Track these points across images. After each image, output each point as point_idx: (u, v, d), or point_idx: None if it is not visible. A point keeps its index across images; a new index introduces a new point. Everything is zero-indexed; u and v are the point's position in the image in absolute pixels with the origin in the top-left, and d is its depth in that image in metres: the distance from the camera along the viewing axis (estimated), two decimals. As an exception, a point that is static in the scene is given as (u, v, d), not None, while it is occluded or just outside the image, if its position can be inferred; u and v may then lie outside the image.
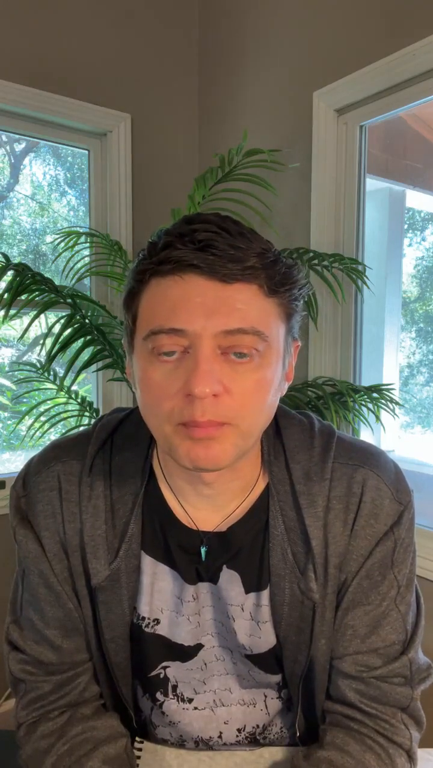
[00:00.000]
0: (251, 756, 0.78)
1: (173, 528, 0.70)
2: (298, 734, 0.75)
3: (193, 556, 0.70)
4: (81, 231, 1.75)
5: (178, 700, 0.75)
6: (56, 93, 1.89)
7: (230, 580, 0.69)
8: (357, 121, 1.68)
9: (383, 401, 1.55)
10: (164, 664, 0.73)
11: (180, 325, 0.56)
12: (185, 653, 0.72)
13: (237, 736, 0.76)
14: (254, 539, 0.69)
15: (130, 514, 0.69)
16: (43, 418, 1.78)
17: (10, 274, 1.46)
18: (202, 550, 0.69)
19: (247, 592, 0.69)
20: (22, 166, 2.16)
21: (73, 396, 1.83)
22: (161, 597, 0.71)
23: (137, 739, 0.81)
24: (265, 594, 0.69)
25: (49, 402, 1.80)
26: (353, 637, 0.68)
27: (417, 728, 0.69)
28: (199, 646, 0.72)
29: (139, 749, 0.79)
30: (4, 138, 2.06)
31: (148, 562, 0.71)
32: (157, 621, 0.72)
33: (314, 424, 0.73)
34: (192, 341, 0.56)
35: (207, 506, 0.70)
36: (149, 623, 0.72)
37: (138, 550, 0.69)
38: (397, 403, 1.57)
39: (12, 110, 1.84)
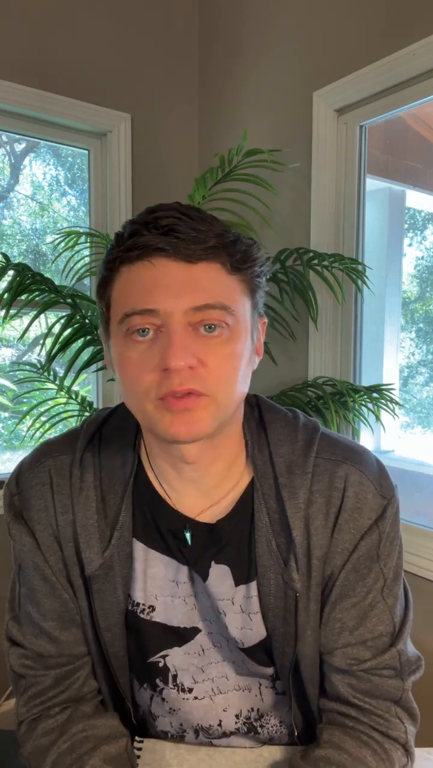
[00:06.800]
0: (251, 755, 0.78)
1: (163, 513, 0.71)
2: (296, 733, 0.76)
3: (184, 541, 0.71)
4: (81, 231, 1.75)
5: (178, 690, 0.76)
6: (56, 93, 1.89)
7: (219, 575, 0.71)
8: (357, 121, 1.68)
9: (383, 401, 1.55)
10: (163, 652, 0.75)
11: (152, 306, 0.59)
12: (182, 636, 0.74)
13: (236, 722, 0.78)
14: (241, 532, 0.71)
15: (120, 503, 0.71)
16: (43, 418, 1.78)
17: (10, 274, 1.46)
18: (187, 534, 0.70)
19: (237, 584, 0.71)
20: (22, 166, 2.16)
21: (73, 396, 1.83)
22: (154, 583, 0.72)
23: (137, 738, 0.81)
24: (253, 585, 0.70)
25: (49, 402, 1.80)
26: (342, 630, 0.69)
27: (412, 722, 0.70)
28: (195, 630, 0.74)
29: (139, 749, 0.79)
30: (4, 138, 2.06)
31: (140, 548, 0.72)
32: (152, 608, 0.73)
33: (298, 419, 0.74)
34: (164, 320, 0.59)
35: (192, 490, 0.71)
36: (144, 609, 0.73)
37: (130, 538, 0.71)
38: (397, 403, 1.57)
39: (12, 110, 1.84)
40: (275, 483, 0.69)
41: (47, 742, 0.70)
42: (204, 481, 0.71)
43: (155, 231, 0.59)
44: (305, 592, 0.68)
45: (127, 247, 0.61)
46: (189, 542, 0.70)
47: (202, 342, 0.60)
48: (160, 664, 0.75)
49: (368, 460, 0.72)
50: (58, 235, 1.74)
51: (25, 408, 1.97)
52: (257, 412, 0.74)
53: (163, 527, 0.71)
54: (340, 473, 0.69)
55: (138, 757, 0.77)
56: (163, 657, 0.75)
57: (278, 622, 0.70)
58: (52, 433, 1.87)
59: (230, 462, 0.71)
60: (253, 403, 0.76)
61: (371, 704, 0.68)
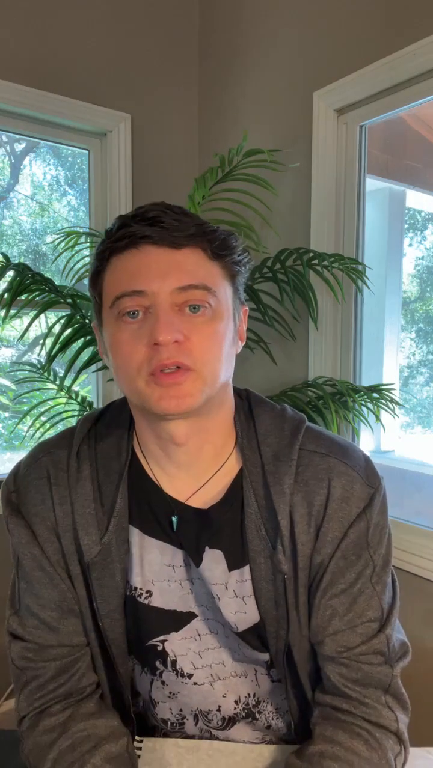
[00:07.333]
0: (251, 754, 0.78)
1: (156, 499, 0.74)
2: (293, 725, 0.78)
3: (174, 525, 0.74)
4: (81, 231, 1.75)
5: (177, 675, 0.78)
6: (56, 93, 1.89)
7: (213, 559, 0.73)
8: (357, 121, 1.68)
9: (383, 401, 1.55)
10: (162, 637, 0.76)
11: (140, 287, 0.64)
12: (179, 620, 0.76)
13: (235, 708, 0.80)
14: (233, 518, 0.73)
15: (116, 491, 0.73)
16: (43, 418, 1.78)
17: (10, 274, 1.46)
18: (174, 519, 0.73)
19: (230, 569, 0.73)
20: (22, 166, 2.16)
21: (73, 396, 1.83)
22: (151, 568, 0.75)
23: (137, 738, 0.81)
24: (246, 570, 0.73)
25: (49, 402, 1.80)
26: (333, 616, 0.71)
27: (403, 711, 0.72)
28: (191, 614, 0.76)
29: (139, 748, 0.79)
30: (4, 138, 2.06)
31: (135, 534, 0.75)
32: (150, 593, 0.75)
33: (286, 411, 0.78)
34: (152, 300, 0.65)
35: (183, 474, 0.74)
36: (141, 593, 0.75)
37: (126, 524, 0.74)
38: (397, 403, 1.57)
39: (12, 110, 1.84)
40: (262, 471, 0.72)
41: (48, 739, 0.70)
42: (194, 465, 0.74)
43: (142, 222, 0.65)
44: (292, 575, 0.71)
45: (117, 237, 0.67)
46: (175, 527, 0.73)
47: (188, 320, 0.65)
48: (159, 648, 0.77)
49: (353, 453, 0.75)
50: (58, 235, 1.74)
51: (25, 408, 1.97)
52: (247, 405, 0.78)
53: (157, 512, 0.74)
54: (324, 465, 0.72)
55: (138, 756, 0.78)
56: (162, 642, 0.77)
57: (270, 605, 0.72)
58: (53, 433, 1.87)
59: (219, 447, 0.75)
60: (243, 396, 0.79)
61: (361, 694, 0.70)
